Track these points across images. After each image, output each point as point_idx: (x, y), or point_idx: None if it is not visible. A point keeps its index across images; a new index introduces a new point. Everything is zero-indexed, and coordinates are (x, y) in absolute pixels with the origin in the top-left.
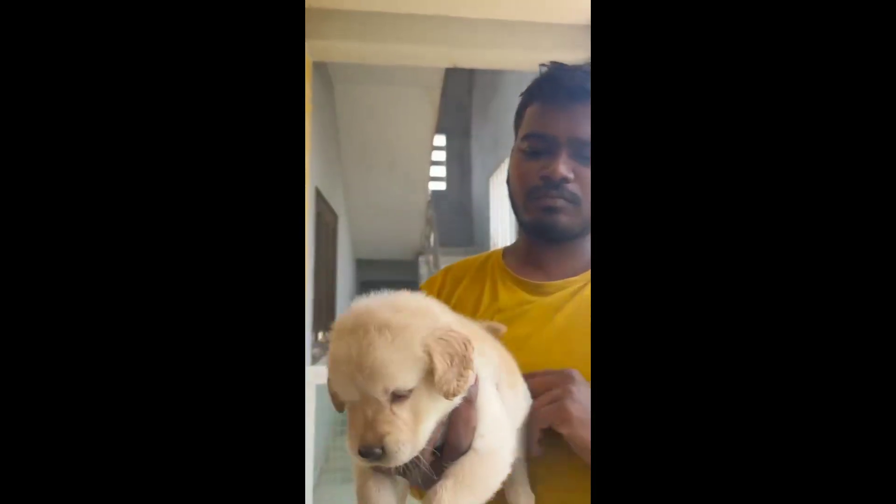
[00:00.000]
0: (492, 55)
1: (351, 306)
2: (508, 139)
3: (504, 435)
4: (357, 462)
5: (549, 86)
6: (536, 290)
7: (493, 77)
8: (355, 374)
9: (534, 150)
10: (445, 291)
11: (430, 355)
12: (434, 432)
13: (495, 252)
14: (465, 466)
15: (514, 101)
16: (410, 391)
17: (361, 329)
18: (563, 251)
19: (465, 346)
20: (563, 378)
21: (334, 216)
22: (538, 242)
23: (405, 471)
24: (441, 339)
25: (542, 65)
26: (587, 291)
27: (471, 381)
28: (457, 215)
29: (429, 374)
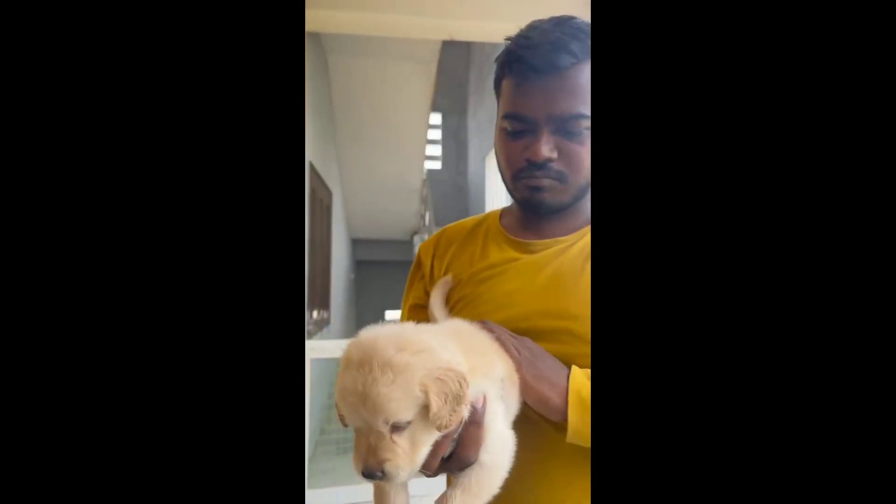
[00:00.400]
0: (489, 28)
1: (360, 336)
2: None
3: (507, 448)
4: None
5: (516, 64)
6: (524, 248)
7: (491, 54)
8: (359, 407)
9: (515, 131)
10: (439, 253)
11: (426, 394)
12: (444, 446)
13: (493, 213)
14: (471, 477)
15: None
16: (409, 423)
17: (367, 365)
18: (555, 217)
19: (460, 385)
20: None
21: (328, 193)
22: (526, 212)
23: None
24: (438, 378)
25: (507, 38)
26: (573, 250)
27: (464, 415)
28: (452, 194)
29: (425, 409)
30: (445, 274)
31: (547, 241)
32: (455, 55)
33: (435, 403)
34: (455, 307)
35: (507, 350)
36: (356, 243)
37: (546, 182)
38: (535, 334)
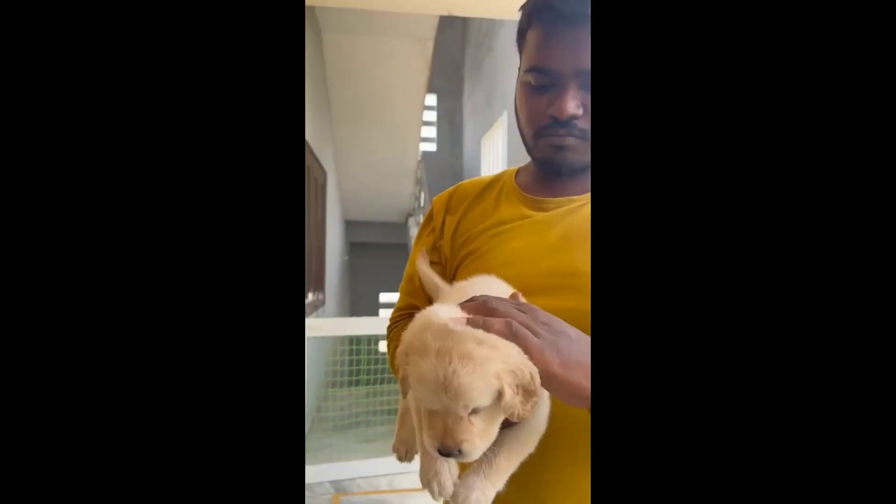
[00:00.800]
0: (488, 3)
1: (434, 323)
2: (501, 100)
3: (546, 409)
4: (429, 451)
5: (546, 11)
6: (537, 206)
7: (488, 34)
8: (440, 393)
9: (539, 85)
10: (452, 208)
11: (501, 384)
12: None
13: (509, 171)
14: (512, 438)
15: (510, 60)
16: (485, 407)
17: (447, 356)
18: (574, 177)
19: (532, 378)
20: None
21: (323, 172)
22: (544, 172)
23: None
24: (512, 371)
25: None
26: (586, 210)
27: (535, 405)
28: (448, 176)
29: (500, 395)
30: (457, 228)
31: (560, 199)
32: (451, 36)
33: (508, 394)
34: (464, 262)
35: (517, 336)
36: (350, 225)
37: (570, 141)
38: (540, 290)
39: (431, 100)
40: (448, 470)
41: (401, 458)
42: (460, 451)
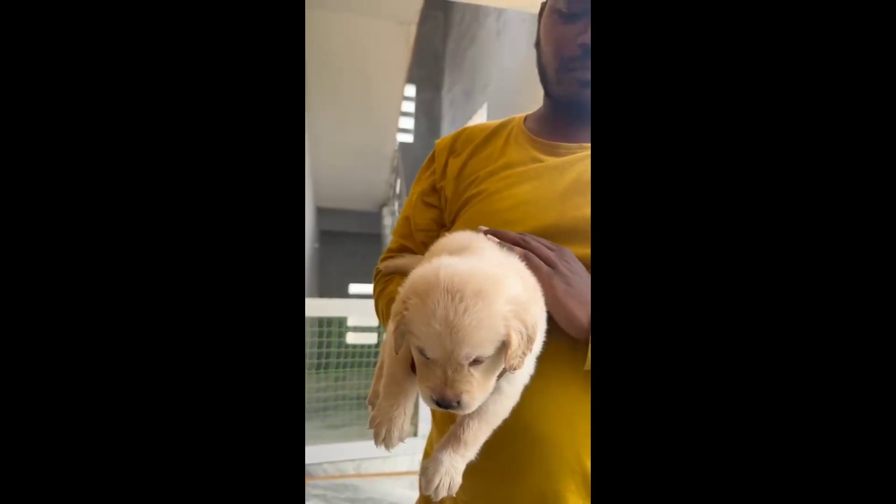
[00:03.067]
0: None
1: (441, 266)
2: (481, 93)
3: (526, 376)
4: (424, 401)
5: None
6: (550, 151)
7: (470, 25)
8: (446, 338)
9: (571, 13)
10: (457, 149)
11: (508, 331)
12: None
13: (517, 117)
14: (487, 404)
15: (492, 52)
16: (487, 357)
17: (457, 294)
18: (585, 122)
19: (535, 328)
20: (550, 257)
21: None
22: (563, 114)
23: None
24: (519, 319)
25: None
26: None
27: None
28: None
29: (501, 346)
30: (462, 170)
31: (573, 145)
32: (432, 26)
33: (515, 342)
34: (469, 203)
35: (539, 258)
36: (322, 212)
37: None
38: (549, 235)
39: (410, 91)
40: (402, 423)
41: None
42: (459, 403)
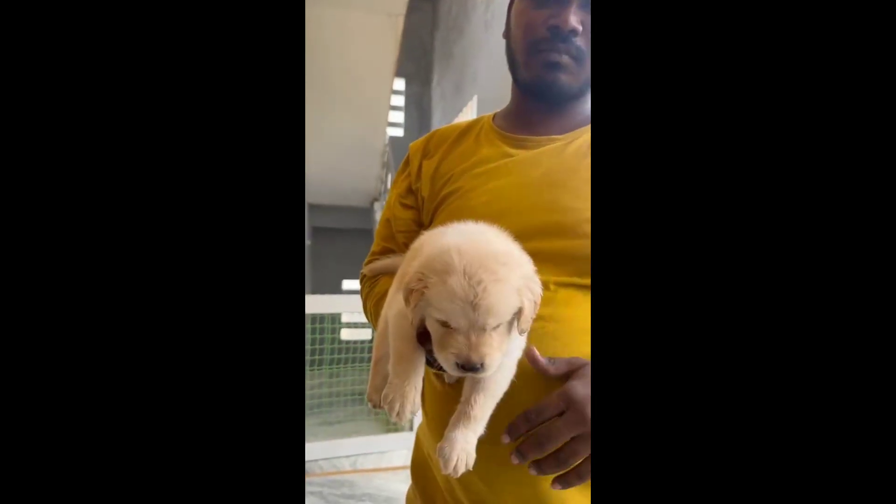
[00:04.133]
0: None
1: (454, 244)
2: (470, 86)
3: (519, 349)
4: (446, 368)
5: None
6: (519, 144)
7: (458, 17)
8: (469, 311)
9: None
10: (430, 150)
11: (522, 300)
12: None
13: (485, 116)
14: (491, 379)
15: (480, 45)
16: (503, 322)
17: (476, 277)
18: (556, 112)
19: (539, 295)
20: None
21: None
22: (531, 103)
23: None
24: (529, 288)
25: None
26: (570, 148)
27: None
28: None
29: (518, 311)
30: (437, 170)
31: (541, 138)
32: (420, 19)
33: (527, 308)
34: (445, 202)
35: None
36: (313, 209)
37: (565, 59)
38: (526, 232)
39: (399, 84)
40: (414, 397)
41: (375, 406)
42: (483, 365)
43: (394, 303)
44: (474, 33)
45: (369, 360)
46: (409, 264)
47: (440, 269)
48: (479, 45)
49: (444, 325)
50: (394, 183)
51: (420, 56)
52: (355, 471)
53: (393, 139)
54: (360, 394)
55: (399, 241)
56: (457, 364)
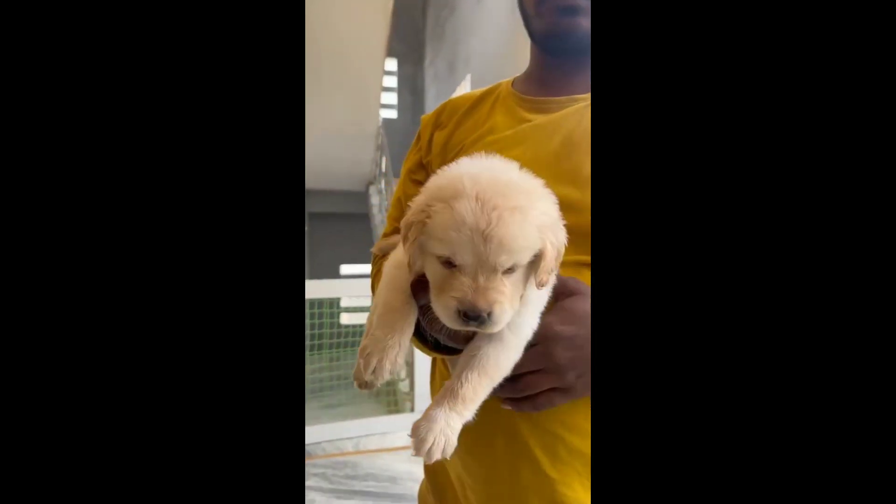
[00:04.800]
0: None
1: (469, 170)
2: (463, 65)
3: (529, 326)
4: (444, 318)
5: None
6: (537, 108)
7: None
8: (480, 243)
9: None
10: (442, 122)
11: (545, 242)
12: None
13: (505, 81)
14: (489, 356)
15: (472, 23)
16: (519, 269)
17: (491, 203)
18: (577, 67)
19: (563, 244)
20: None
21: None
22: (549, 59)
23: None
24: (552, 229)
25: None
26: (589, 112)
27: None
28: (409, 144)
29: (534, 260)
30: (448, 141)
31: (562, 99)
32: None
33: (549, 256)
34: None
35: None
36: (308, 194)
37: (582, 1)
38: None
39: (391, 65)
40: (396, 355)
41: (360, 386)
42: (490, 315)
43: (393, 252)
44: (466, 10)
45: None
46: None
47: (448, 195)
48: (471, 23)
49: (448, 263)
50: (406, 158)
51: (411, 35)
52: (358, 452)
53: (386, 121)
54: None
55: None
56: (458, 311)
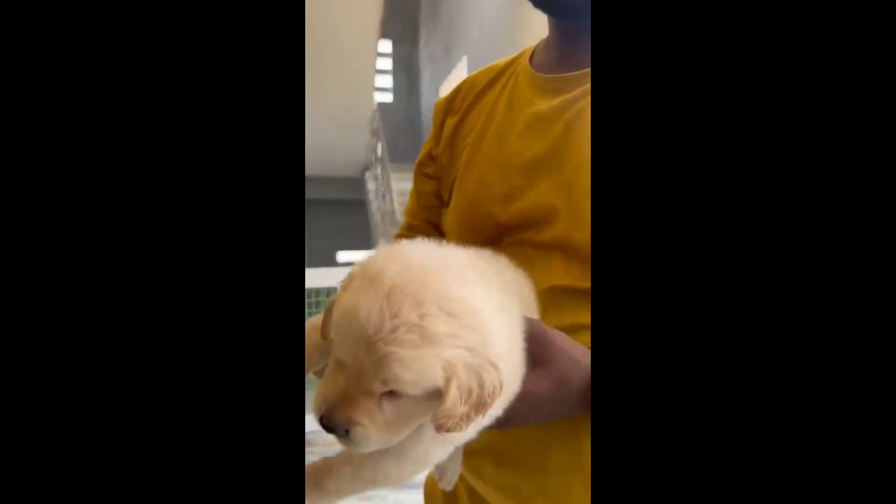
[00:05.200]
0: None
1: (412, 253)
2: (459, 46)
3: (437, 455)
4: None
5: None
6: (547, 90)
7: None
8: (359, 350)
9: None
10: (455, 107)
11: (447, 381)
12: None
13: (527, 50)
14: (373, 458)
15: (466, 2)
16: (409, 396)
17: (395, 308)
18: (585, 31)
19: (493, 393)
20: None
21: None
22: (561, 25)
23: None
24: (469, 367)
25: None
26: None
27: (477, 427)
28: (405, 128)
29: (436, 393)
30: (458, 129)
31: (576, 74)
32: None
33: (451, 397)
34: (460, 174)
35: None
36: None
37: None
38: (529, 221)
39: (386, 47)
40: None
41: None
42: (347, 433)
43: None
44: None
45: None
46: None
47: (369, 274)
48: (466, 2)
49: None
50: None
51: (405, 15)
52: None
53: (382, 105)
54: None
55: (420, 218)
56: (317, 413)
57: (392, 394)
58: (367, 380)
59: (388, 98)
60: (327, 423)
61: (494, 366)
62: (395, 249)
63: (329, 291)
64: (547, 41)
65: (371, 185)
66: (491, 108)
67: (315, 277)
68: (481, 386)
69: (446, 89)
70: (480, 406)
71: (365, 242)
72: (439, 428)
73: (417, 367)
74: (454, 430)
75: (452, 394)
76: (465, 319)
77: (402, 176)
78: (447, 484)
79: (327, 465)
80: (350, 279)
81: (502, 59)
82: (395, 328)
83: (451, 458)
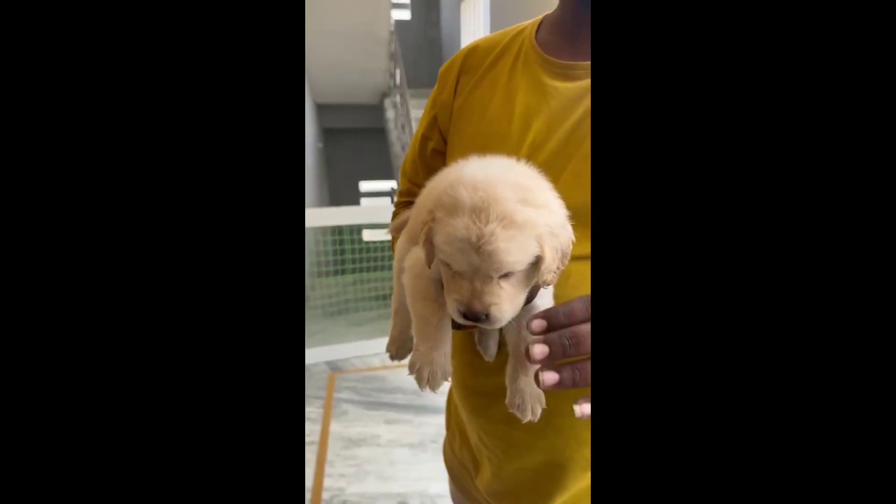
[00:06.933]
0: None
1: (468, 175)
2: None
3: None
4: (452, 315)
5: None
6: (562, 73)
7: None
8: (472, 255)
9: None
10: (473, 63)
11: (542, 248)
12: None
13: (531, 24)
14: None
15: None
16: (518, 272)
17: (484, 215)
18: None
19: (569, 246)
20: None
21: None
22: (576, 3)
23: None
24: (553, 234)
25: None
26: None
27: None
28: (424, 49)
29: (536, 262)
30: (466, 103)
31: (585, 63)
32: None
33: (549, 257)
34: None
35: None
36: (322, 109)
37: None
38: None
39: None
40: (444, 364)
41: (393, 357)
42: (487, 316)
43: (407, 256)
44: None
45: (391, 261)
46: (421, 203)
47: (448, 204)
48: None
49: (449, 267)
50: (421, 117)
51: None
52: (385, 367)
53: (399, 23)
54: (384, 297)
55: (424, 178)
56: (459, 311)
57: (506, 275)
58: (484, 274)
59: (405, 15)
60: (470, 315)
61: (564, 227)
62: (452, 180)
63: (353, 229)
64: (555, 20)
65: (390, 114)
66: (503, 78)
67: (341, 216)
68: (562, 243)
69: (467, 5)
70: (564, 258)
71: (386, 172)
72: (545, 283)
73: (522, 251)
74: (552, 281)
75: (548, 255)
76: (536, 204)
77: (421, 102)
78: (490, 357)
79: (516, 351)
80: (432, 212)
81: (503, 32)
82: (493, 233)
83: (491, 337)
